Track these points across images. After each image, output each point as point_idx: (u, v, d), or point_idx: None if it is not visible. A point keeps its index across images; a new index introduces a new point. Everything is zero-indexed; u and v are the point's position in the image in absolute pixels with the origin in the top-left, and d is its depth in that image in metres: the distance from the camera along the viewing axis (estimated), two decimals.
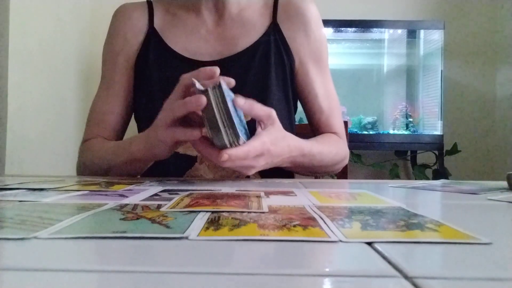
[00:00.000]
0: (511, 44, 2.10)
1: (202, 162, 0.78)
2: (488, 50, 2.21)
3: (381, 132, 2.13)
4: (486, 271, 0.21)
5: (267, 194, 0.46)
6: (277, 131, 0.59)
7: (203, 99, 0.49)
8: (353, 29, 2.16)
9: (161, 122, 0.56)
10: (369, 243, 0.25)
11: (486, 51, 2.21)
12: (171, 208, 0.35)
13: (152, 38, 0.81)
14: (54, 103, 1.67)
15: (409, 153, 2.19)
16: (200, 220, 0.31)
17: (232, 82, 0.56)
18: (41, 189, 0.48)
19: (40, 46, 1.54)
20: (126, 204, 0.38)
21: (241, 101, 0.52)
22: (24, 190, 0.47)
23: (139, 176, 0.73)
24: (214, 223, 0.30)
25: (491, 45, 2.21)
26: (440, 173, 2.01)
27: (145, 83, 0.80)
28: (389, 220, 0.32)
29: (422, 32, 2.21)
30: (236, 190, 0.49)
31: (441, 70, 2.05)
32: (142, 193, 0.46)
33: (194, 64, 0.74)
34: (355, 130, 2.12)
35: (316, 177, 1.02)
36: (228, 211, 0.34)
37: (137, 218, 0.31)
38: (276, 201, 0.41)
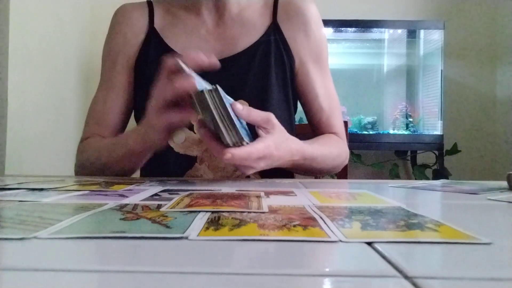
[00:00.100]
0: (511, 44, 2.10)
1: (202, 162, 0.78)
2: (488, 50, 2.21)
3: (381, 132, 2.13)
4: (486, 271, 0.21)
5: (267, 194, 0.46)
6: (281, 135, 0.59)
7: (192, 79, 0.49)
8: (353, 29, 2.16)
9: (152, 107, 0.56)
10: (369, 243, 0.25)
11: (486, 51, 2.21)
12: (171, 208, 0.35)
13: (152, 38, 0.81)
14: (54, 103, 1.67)
15: (409, 153, 2.19)
16: (200, 220, 0.31)
17: (216, 62, 0.56)
18: (41, 189, 0.48)
19: (40, 46, 1.54)
20: (126, 204, 0.38)
21: (239, 107, 0.52)
22: (24, 190, 0.47)
23: (139, 176, 0.73)
24: (214, 223, 0.30)
25: (491, 45, 2.21)
26: (440, 173, 2.01)
27: (145, 83, 0.80)
28: (389, 220, 0.32)
29: (422, 32, 2.21)
30: (236, 190, 0.49)
31: (441, 70, 2.05)
32: (142, 193, 0.46)
33: None
34: (355, 130, 2.12)
35: (316, 177, 1.02)
36: (228, 211, 0.34)
37: (137, 218, 0.31)
38: (276, 201, 0.41)
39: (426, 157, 2.12)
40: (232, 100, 0.53)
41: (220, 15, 0.82)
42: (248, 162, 0.54)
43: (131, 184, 0.54)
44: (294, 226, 0.29)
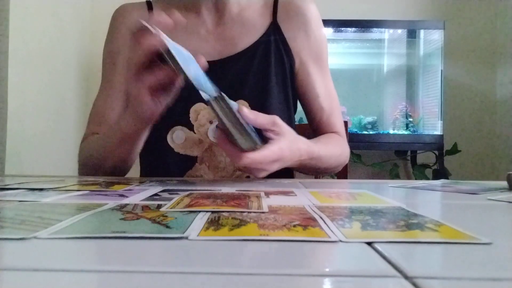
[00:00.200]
0: (511, 44, 2.10)
1: (202, 162, 0.78)
2: (488, 50, 2.21)
3: (381, 132, 2.13)
4: (486, 271, 0.21)
5: (267, 194, 0.46)
6: (290, 136, 0.60)
7: (158, 37, 0.49)
8: (353, 29, 2.16)
9: (129, 78, 0.55)
10: (369, 243, 0.25)
11: (486, 51, 2.21)
12: (171, 208, 0.35)
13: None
14: (54, 103, 1.67)
15: (409, 153, 2.19)
16: (200, 220, 0.31)
17: (203, 61, 0.55)
18: (41, 189, 0.48)
19: (40, 46, 1.54)
20: (126, 204, 0.38)
21: (246, 111, 0.52)
22: (24, 190, 0.47)
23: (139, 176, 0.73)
24: (214, 223, 0.30)
25: (491, 45, 2.21)
26: (440, 173, 2.01)
27: None
28: (389, 220, 0.32)
29: (422, 32, 2.21)
30: (236, 190, 0.49)
31: (441, 70, 2.05)
32: (142, 193, 0.46)
33: None
34: (355, 130, 2.12)
35: (316, 177, 1.02)
36: (228, 211, 0.34)
37: (137, 218, 0.31)
38: (276, 201, 0.41)
39: (426, 157, 2.12)
40: (236, 104, 0.53)
41: (220, 15, 0.82)
42: (263, 165, 0.55)
43: (131, 184, 0.54)
44: (294, 226, 0.29)
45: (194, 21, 0.82)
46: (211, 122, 0.77)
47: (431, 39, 2.16)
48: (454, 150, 2.05)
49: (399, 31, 2.22)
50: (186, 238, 0.26)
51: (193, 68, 0.52)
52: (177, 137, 0.77)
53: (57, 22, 1.68)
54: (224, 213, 0.33)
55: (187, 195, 0.43)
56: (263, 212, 0.34)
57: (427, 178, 2.06)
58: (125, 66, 0.82)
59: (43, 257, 0.23)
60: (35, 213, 0.34)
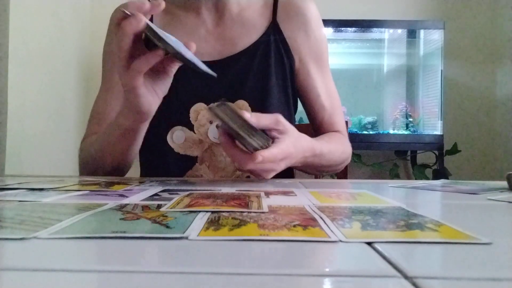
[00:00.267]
0: (511, 44, 2.10)
1: (202, 162, 0.78)
2: (488, 50, 2.21)
3: (381, 132, 2.13)
4: (486, 271, 0.21)
5: (267, 194, 0.46)
6: (294, 133, 0.60)
7: (138, 18, 0.48)
8: (353, 29, 2.16)
9: (119, 71, 0.54)
10: (369, 243, 0.25)
11: (486, 51, 2.21)
12: (171, 208, 0.35)
13: None
14: (54, 103, 1.67)
15: (409, 153, 2.19)
16: (200, 220, 0.31)
17: (194, 47, 0.55)
18: (41, 189, 0.48)
19: (40, 46, 1.54)
20: (126, 204, 0.38)
21: (247, 114, 0.52)
22: (24, 190, 0.47)
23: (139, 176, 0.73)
24: (214, 223, 0.30)
25: (491, 45, 2.21)
26: (440, 173, 2.01)
27: None
28: (389, 220, 0.32)
29: (422, 32, 2.21)
30: (236, 190, 0.49)
31: (441, 70, 2.05)
32: (142, 193, 0.46)
33: None
34: (355, 130, 2.12)
35: (316, 177, 1.02)
36: (228, 211, 0.34)
37: (137, 218, 0.31)
38: (276, 201, 0.41)
39: (426, 157, 2.12)
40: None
41: (220, 15, 0.82)
42: (273, 165, 0.55)
43: (131, 184, 0.54)
44: (294, 226, 0.29)
45: (194, 21, 0.82)
46: (211, 122, 0.77)
47: (431, 39, 2.16)
48: (454, 150, 2.05)
49: (399, 31, 2.22)
50: (186, 238, 0.26)
51: (184, 50, 0.51)
52: (177, 137, 0.77)
53: (57, 22, 1.68)
54: (224, 213, 0.33)
55: (187, 195, 0.43)
56: (263, 212, 0.34)
57: (427, 178, 2.06)
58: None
59: (43, 257, 0.23)
60: (35, 213, 0.34)
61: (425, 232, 0.28)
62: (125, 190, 0.49)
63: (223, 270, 0.21)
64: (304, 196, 0.45)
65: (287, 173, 0.83)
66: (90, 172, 0.74)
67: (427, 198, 0.49)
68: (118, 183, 0.55)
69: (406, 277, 0.20)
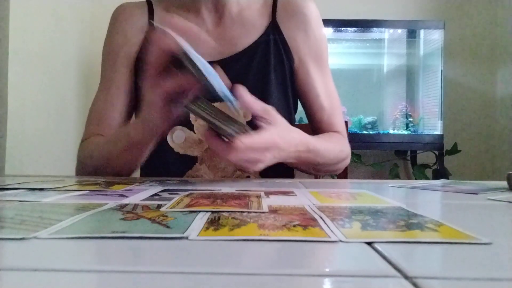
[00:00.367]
0: (511, 44, 2.10)
1: (202, 162, 0.78)
2: (488, 50, 2.21)
3: (381, 132, 2.14)
4: (486, 271, 0.21)
5: (267, 194, 0.46)
6: (283, 126, 0.59)
7: (173, 38, 0.48)
8: (353, 29, 2.16)
9: (147, 83, 0.54)
10: (369, 243, 0.25)
11: (486, 51, 2.21)
12: (171, 208, 0.35)
13: None
14: (54, 103, 1.67)
15: (409, 153, 2.19)
16: (200, 220, 0.31)
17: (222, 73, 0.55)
18: (41, 189, 0.48)
19: (40, 46, 1.54)
20: (126, 204, 0.38)
21: (243, 91, 0.52)
22: (24, 190, 0.47)
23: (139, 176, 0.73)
24: (214, 223, 0.30)
25: (491, 45, 2.21)
26: (440, 173, 2.01)
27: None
28: (389, 220, 0.32)
29: (422, 32, 2.21)
30: (236, 190, 0.49)
31: (441, 70, 2.06)
32: (142, 193, 0.46)
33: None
34: (355, 130, 2.12)
35: (316, 177, 1.02)
36: (228, 211, 0.34)
37: (137, 218, 0.31)
38: (276, 201, 0.41)
39: (426, 157, 2.12)
40: (225, 83, 0.53)
41: (219, 15, 0.82)
42: (255, 154, 0.53)
43: (131, 184, 0.54)
44: (294, 226, 0.29)
45: (194, 21, 0.82)
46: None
47: (431, 39, 2.16)
48: (454, 150, 2.05)
49: (399, 31, 2.22)
50: (186, 238, 0.26)
51: (213, 77, 0.51)
52: (177, 137, 0.77)
53: (57, 22, 1.68)
54: (224, 213, 0.33)
55: (187, 195, 0.43)
56: (263, 212, 0.34)
57: (427, 178, 2.06)
58: (126, 65, 0.81)
59: (43, 257, 0.23)
60: (35, 213, 0.34)
61: (425, 232, 0.28)
62: (125, 190, 0.49)
63: (223, 270, 0.21)
64: (304, 196, 0.45)
65: (287, 173, 0.83)
66: (88, 173, 0.74)
67: (427, 198, 0.49)
68: (118, 183, 0.55)
69: (406, 277, 0.20)
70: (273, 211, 0.35)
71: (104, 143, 0.72)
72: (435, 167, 2.07)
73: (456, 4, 2.22)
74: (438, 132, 2.05)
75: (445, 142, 2.02)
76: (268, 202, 0.40)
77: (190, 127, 0.77)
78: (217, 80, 0.52)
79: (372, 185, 0.63)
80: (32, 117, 1.48)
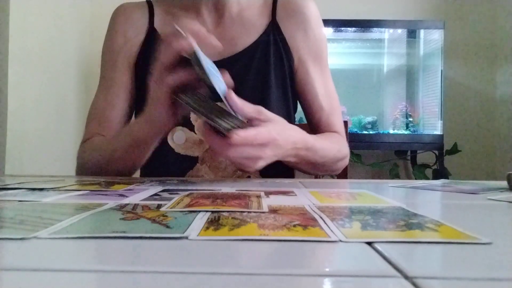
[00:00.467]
0: (511, 44, 2.10)
1: (203, 162, 0.78)
2: (488, 50, 2.21)
3: (381, 132, 2.14)
4: (486, 271, 0.21)
5: (267, 194, 0.46)
6: (280, 122, 0.58)
7: (189, 40, 0.49)
8: (353, 29, 2.16)
9: (154, 78, 0.54)
10: (369, 243, 0.25)
11: (486, 51, 2.21)
12: (171, 208, 0.35)
13: (153, 38, 0.81)
14: (54, 103, 1.67)
15: (409, 153, 2.19)
16: (200, 220, 0.31)
17: (228, 77, 0.55)
18: (41, 189, 0.48)
19: (40, 46, 1.54)
20: (126, 204, 0.38)
21: (234, 97, 0.52)
22: (24, 190, 0.47)
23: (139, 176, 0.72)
24: (214, 223, 0.30)
25: (491, 45, 2.21)
26: (440, 173, 2.01)
27: (145, 83, 0.80)
28: (389, 220, 0.32)
29: (422, 32, 2.21)
30: (236, 190, 0.49)
31: (441, 70, 2.06)
32: (142, 193, 0.46)
33: None
34: (355, 130, 2.12)
35: (316, 177, 1.02)
36: (228, 211, 0.34)
37: (137, 218, 0.31)
38: (276, 201, 0.41)
39: (426, 157, 2.12)
40: (224, 86, 0.53)
41: (219, 15, 0.82)
42: (254, 150, 0.52)
43: (131, 184, 0.54)
44: (294, 226, 0.29)
45: (194, 22, 0.82)
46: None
47: (431, 39, 2.16)
48: (454, 150, 2.05)
49: (399, 31, 2.22)
50: (186, 238, 0.26)
51: (218, 81, 0.51)
52: (177, 138, 0.77)
53: (57, 22, 1.68)
54: (224, 213, 0.33)
55: (187, 195, 0.43)
56: (263, 212, 0.34)
57: (427, 178, 2.06)
58: (126, 65, 0.81)
59: (43, 257, 0.23)
60: (35, 213, 0.34)
61: (425, 232, 0.28)
62: (125, 190, 0.49)
63: (223, 270, 0.21)
64: (304, 196, 0.45)
65: (287, 173, 0.83)
66: (89, 173, 0.73)
67: (427, 198, 0.49)
68: (118, 183, 0.55)
69: (406, 277, 0.20)
70: (273, 211, 0.35)
71: (106, 143, 0.72)
72: (435, 167, 2.07)
73: (456, 4, 2.22)
74: (438, 132, 2.05)
75: (445, 142, 2.02)
76: (268, 202, 0.40)
77: (191, 127, 0.77)
78: (221, 85, 0.52)
79: (372, 185, 0.63)
80: (32, 117, 1.48)
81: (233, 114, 0.51)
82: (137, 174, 0.86)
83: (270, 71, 0.80)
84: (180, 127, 0.77)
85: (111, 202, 0.39)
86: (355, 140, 1.97)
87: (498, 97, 2.19)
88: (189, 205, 0.37)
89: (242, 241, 0.26)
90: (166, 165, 0.78)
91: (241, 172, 0.78)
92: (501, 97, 2.17)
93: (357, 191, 0.51)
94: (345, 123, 0.94)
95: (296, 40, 0.82)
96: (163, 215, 0.32)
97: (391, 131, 2.16)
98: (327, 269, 0.22)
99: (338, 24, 2.09)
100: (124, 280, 0.19)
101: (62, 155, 1.67)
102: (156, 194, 0.45)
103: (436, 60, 2.10)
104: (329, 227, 0.29)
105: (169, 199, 0.40)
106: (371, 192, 0.48)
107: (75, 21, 1.86)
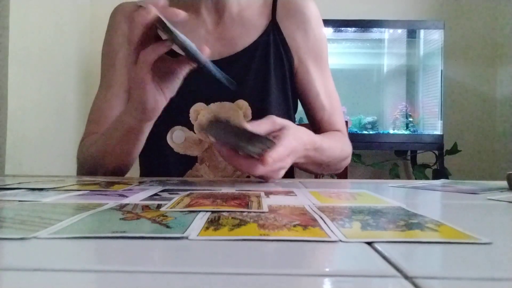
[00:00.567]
0: (511, 44, 2.10)
1: (202, 162, 0.78)
2: (488, 50, 2.21)
3: (381, 132, 2.14)
4: (486, 271, 0.21)
5: (267, 194, 0.46)
6: (291, 125, 0.59)
7: (148, 10, 0.48)
8: (353, 29, 2.16)
9: (129, 64, 0.54)
10: (369, 243, 0.25)
11: (486, 51, 2.21)
12: (171, 208, 0.35)
13: None
14: (54, 103, 1.67)
15: (409, 153, 2.19)
16: (200, 220, 0.31)
17: (207, 51, 0.54)
18: (41, 189, 0.48)
19: (40, 46, 1.54)
20: (126, 204, 0.38)
21: (247, 126, 0.52)
22: (24, 190, 0.47)
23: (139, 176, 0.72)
24: (214, 223, 0.30)
25: (491, 45, 2.21)
26: (440, 173, 2.01)
27: None
28: (389, 220, 0.32)
29: (422, 32, 2.21)
30: (236, 190, 0.49)
31: (441, 70, 2.06)
32: (142, 193, 0.46)
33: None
34: (355, 130, 2.12)
35: (316, 177, 1.02)
36: (228, 211, 0.34)
37: (137, 218, 0.31)
38: (276, 201, 0.41)
39: (426, 157, 2.12)
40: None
41: (219, 15, 0.82)
42: (280, 163, 0.55)
43: (131, 184, 0.54)
44: (294, 226, 0.29)
45: (194, 21, 0.82)
46: (211, 122, 0.77)
47: (431, 39, 2.16)
48: (454, 150, 2.05)
49: (399, 31, 2.22)
50: (186, 238, 0.26)
51: (195, 49, 0.51)
52: (177, 137, 0.77)
53: (57, 22, 1.68)
54: (224, 213, 0.33)
55: (187, 195, 0.43)
56: (263, 212, 0.34)
57: (427, 178, 2.06)
58: (125, 65, 0.81)
59: (43, 257, 0.23)
60: (35, 213, 0.34)
61: (425, 232, 0.28)
62: (125, 190, 0.49)
63: (223, 270, 0.21)
64: (304, 196, 0.45)
65: (287, 173, 0.83)
66: (89, 172, 0.74)
67: (427, 198, 0.49)
68: (118, 183, 0.55)
69: (406, 277, 0.20)
70: (273, 211, 0.35)
71: (100, 137, 0.72)
72: (435, 167, 2.07)
73: (456, 4, 2.22)
74: (438, 132, 2.05)
75: (445, 142, 2.02)
76: (268, 202, 0.40)
77: (190, 127, 0.77)
78: (199, 52, 0.51)
79: (372, 185, 0.63)
80: (32, 117, 1.48)
81: (257, 134, 0.52)
82: (137, 173, 0.86)
83: (270, 71, 0.80)
84: (179, 127, 0.77)
85: (111, 202, 0.39)
86: (355, 140, 1.96)
87: (498, 97, 2.19)
88: (189, 205, 0.37)
89: (242, 241, 0.26)
90: (166, 165, 0.78)
91: (240, 172, 0.78)
92: (501, 97, 2.17)
93: (357, 191, 0.51)
94: (345, 123, 0.94)
95: (296, 40, 0.82)
96: (163, 215, 0.32)
97: (391, 131, 2.16)
98: (327, 269, 0.22)
99: (338, 24, 2.09)
100: (124, 280, 0.19)
101: (62, 155, 1.67)
102: (156, 194, 0.45)
103: (436, 60, 2.10)
104: (329, 227, 0.29)
105: (169, 199, 0.40)
106: (371, 192, 0.48)
107: (75, 21, 1.86)
